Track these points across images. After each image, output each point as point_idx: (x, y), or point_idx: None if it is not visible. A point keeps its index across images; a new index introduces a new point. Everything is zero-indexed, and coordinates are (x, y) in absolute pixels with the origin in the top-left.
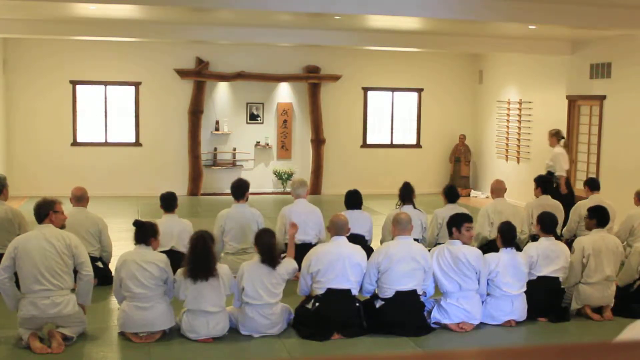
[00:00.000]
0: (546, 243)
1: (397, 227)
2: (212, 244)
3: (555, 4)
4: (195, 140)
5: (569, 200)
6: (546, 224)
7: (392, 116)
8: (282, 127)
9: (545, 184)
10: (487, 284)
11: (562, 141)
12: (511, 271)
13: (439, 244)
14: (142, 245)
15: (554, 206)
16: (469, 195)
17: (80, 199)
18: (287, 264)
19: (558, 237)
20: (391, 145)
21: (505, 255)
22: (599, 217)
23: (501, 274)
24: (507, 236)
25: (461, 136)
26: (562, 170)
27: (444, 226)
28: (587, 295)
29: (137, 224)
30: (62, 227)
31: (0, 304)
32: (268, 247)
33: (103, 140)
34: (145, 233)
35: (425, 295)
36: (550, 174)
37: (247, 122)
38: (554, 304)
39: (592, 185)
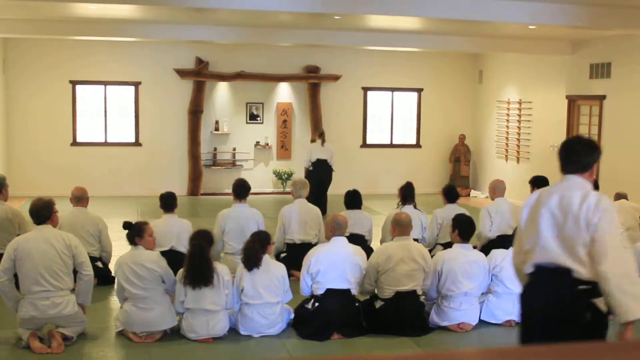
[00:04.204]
0: None
1: (398, 227)
2: (209, 249)
3: (555, 3)
4: (195, 140)
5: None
6: None
7: (392, 116)
8: (282, 127)
9: (540, 183)
10: (491, 279)
11: (321, 137)
12: None
13: (439, 244)
14: (133, 246)
15: None
16: (468, 195)
17: (80, 199)
18: (280, 269)
19: None
20: (391, 145)
21: None
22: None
23: (506, 270)
24: None
25: (461, 136)
26: (305, 161)
27: (444, 226)
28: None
29: (125, 225)
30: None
31: (0, 304)
32: (246, 249)
33: (103, 140)
34: (131, 234)
35: (428, 299)
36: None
37: (246, 122)
38: None
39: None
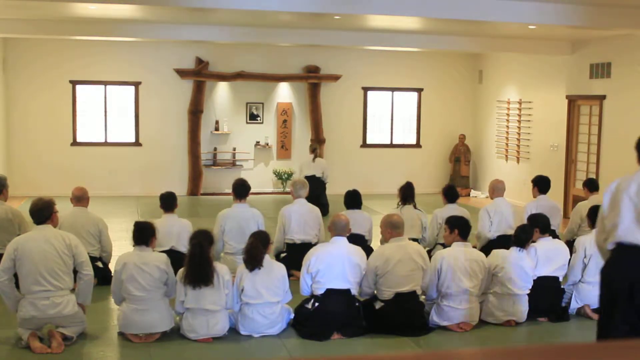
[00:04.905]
0: (546, 243)
1: (393, 229)
2: (210, 248)
3: (555, 3)
4: (195, 140)
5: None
6: (542, 225)
7: (392, 116)
8: (282, 127)
9: (543, 184)
10: (491, 279)
11: (314, 152)
12: (517, 271)
13: (439, 244)
14: (142, 246)
15: (551, 206)
16: (468, 195)
17: (80, 199)
18: (281, 269)
19: (556, 236)
20: (391, 145)
21: (515, 253)
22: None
23: (507, 270)
24: (522, 237)
25: (461, 136)
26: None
27: (444, 226)
28: (587, 294)
29: (139, 225)
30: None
31: (0, 304)
32: (249, 249)
33: (103, 140)
34: (145, 234)
35: (428, 299)
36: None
37: (247, 122)
38: (554, 304)
39: (591, 185)
